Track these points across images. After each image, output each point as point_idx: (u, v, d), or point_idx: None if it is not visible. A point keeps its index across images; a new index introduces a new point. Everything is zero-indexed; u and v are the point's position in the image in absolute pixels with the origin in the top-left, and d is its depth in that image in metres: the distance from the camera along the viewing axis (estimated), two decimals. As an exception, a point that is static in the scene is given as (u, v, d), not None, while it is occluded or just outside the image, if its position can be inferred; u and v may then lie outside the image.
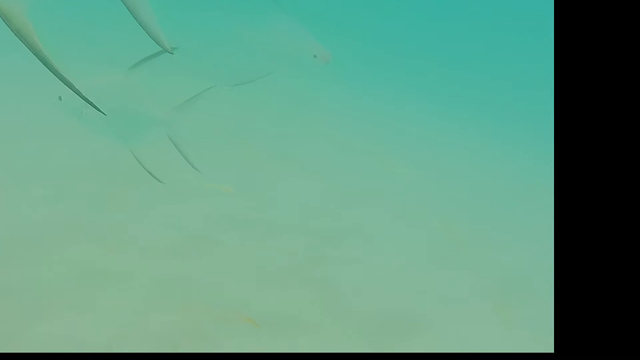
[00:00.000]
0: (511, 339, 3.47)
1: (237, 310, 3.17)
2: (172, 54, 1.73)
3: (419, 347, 3.19)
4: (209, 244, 3.85)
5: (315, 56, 2.82)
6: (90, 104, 1.51)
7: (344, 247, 4.21)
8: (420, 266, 4.17)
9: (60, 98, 2.68)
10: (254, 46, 2.84)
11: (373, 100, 8.25)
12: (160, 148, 2.70)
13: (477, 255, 4.56)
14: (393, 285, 3.80)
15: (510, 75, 11.59)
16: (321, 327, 3.18)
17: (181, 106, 2.76)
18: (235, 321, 3.07)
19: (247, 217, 4.34)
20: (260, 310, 3.21)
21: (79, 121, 2.65)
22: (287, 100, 7.30)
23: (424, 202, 5.49)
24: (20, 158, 4.56)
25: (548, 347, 1.65)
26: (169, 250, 3.66)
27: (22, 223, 3.63)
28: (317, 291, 3.53)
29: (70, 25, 7.01)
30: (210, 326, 3.01)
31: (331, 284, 3.65)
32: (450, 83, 10.71)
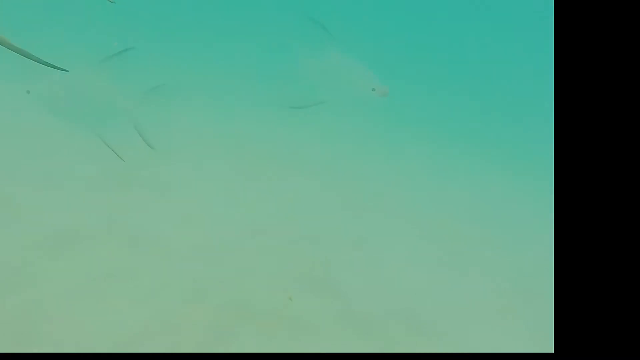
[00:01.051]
0: (511, 339, 3.47)
1: (238, 310, 3.18)
2: (114, 2, 1.80)
3: (419, 347, 3.19)
4: (209, 245, 3.85)
5: (373, 89, 2.92)
6: (52, 66, 1.58)
7: (344, 247, 4.21)
8: (420, 266, 4.17)
9: (28, 92, 2.73)
10: (315, 76, 2.98)
11: (372, 100, 8.24)
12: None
13: (478, 256, 4.57)
14: (393, 286, 3.81)
15: (511, 76, 11.60)
16: (321, 327, 3.18)
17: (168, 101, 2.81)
18: (235, 321, 3.08)
19: (247, 218, 4.34)
20: (260, 310, 3.21)
21: (50, 112, 2.70)
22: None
23: (424, 203, 5.50)
24: (21, 158, 4.56)
25: (548, 347, 1.65)
26: (171, 251, 3.66)
27: (23, 223, 3.63)
28: (318, 291, 3.53)
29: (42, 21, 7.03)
30: (210, 326, 3.01)
31: (332, 284, 3.65)
32: (452, 84, 10.72)
